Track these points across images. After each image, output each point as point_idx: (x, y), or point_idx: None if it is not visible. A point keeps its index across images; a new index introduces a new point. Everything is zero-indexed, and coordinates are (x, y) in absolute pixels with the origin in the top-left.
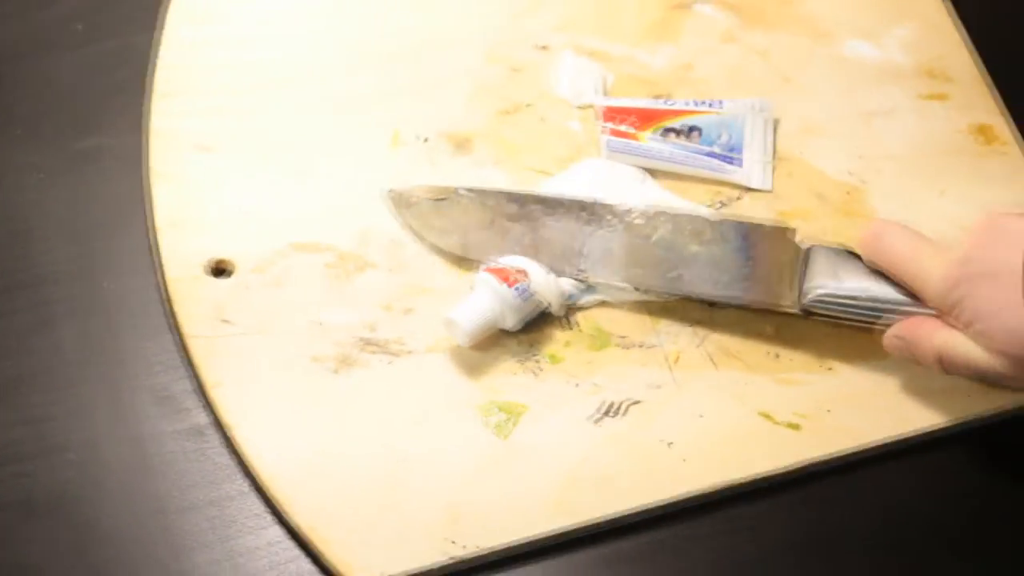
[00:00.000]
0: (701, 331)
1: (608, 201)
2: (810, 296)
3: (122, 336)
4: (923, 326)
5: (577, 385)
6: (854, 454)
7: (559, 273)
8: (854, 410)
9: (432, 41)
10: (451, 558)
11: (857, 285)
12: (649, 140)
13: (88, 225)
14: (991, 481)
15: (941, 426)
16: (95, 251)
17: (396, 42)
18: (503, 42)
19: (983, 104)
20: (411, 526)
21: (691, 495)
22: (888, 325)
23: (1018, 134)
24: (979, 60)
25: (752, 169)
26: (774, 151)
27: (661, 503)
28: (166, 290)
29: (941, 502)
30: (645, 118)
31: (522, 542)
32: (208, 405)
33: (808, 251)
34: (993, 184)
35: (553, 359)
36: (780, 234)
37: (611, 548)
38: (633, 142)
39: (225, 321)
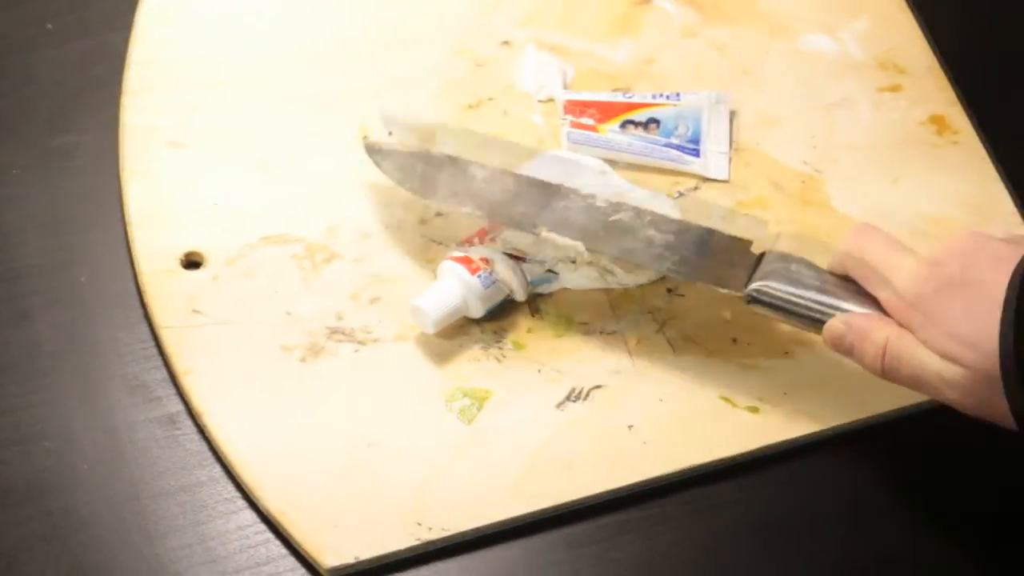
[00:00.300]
0: (660, 317)
1: (574, 185)
2: (755, 283)
3: (96, 327)
4: (874, 319)
5: (540, 371)
6: (813, 436)
7: (516, 227)
8: (812, 394)
9: (398, 37)
10: (419, 540)
11: (804, 286)
12: (609, 132)
13: (64, 220)
14: (948, 463)
15: (897, 409)
16: (71, 245)
17: (363, 38)
18: (468, 38)
19: (938, 95)
20: (380, 510)
21: (653, 478)
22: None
23: (971, 124)
24: (934, 52)
25: (710, 159)
26: (732, 142)
27: (623, 486)
28: (139, 283)
29: (897, 484)
30: (606, 111)
31: (489, 524)
32: (180, 393)
33: (762, 254)
34: (947, 172)
35: (517, 346)
36: (738, 243)
37: (576, 529)
38: (593, 134)
39: (197, 312)
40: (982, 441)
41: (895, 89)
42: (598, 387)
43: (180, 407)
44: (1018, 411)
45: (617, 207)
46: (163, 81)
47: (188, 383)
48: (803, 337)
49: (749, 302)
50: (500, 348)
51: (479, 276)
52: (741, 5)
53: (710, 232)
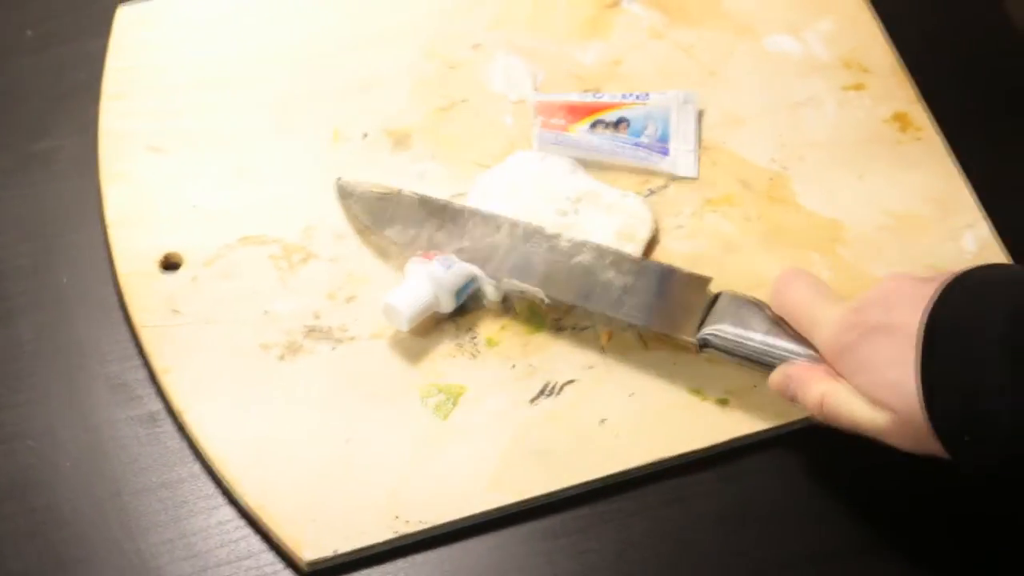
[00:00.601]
0: None
1: (539, 224)
2: (707, 329)
3: (78, 328)
4: (812, 370)
5: (513, 366)
6: (782, 427)
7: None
8: None
9: (371, 40)
10: (397, 533)
11: (755, 329)
12: (579, 132)
13: (44, 223)
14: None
15: None
16: (51, 248)
17: (337, 41)
18: (440, 40)
19: (900, 93)
20: (357, 504)
21: (625, 470)
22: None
23: (933, 121)
24: (896, 51)
25: (678, 158)
26: (699, 141)
27: (597, 478)
28: (119, 284)
29: (864, 474)
30: (575, 111)
31: (465, 517)
32: (160, 392)
33: (718, 295)
34: (910, 168)
35: (490, 342)
36: (696, 281)
37: (551, 521)
38: (564, 134)
39: (176, 312)
40: None
41: (859, 88)
42: (571, 382)
43: (160, 405)
44: (950, 451)
45: (579, 247)
46: (141, 86)
47: (168, 382)
48: None
49: (702, 347)
50: (474, 345)
51: (437, 260)
52: (706, 7)
53: (671, 271)
